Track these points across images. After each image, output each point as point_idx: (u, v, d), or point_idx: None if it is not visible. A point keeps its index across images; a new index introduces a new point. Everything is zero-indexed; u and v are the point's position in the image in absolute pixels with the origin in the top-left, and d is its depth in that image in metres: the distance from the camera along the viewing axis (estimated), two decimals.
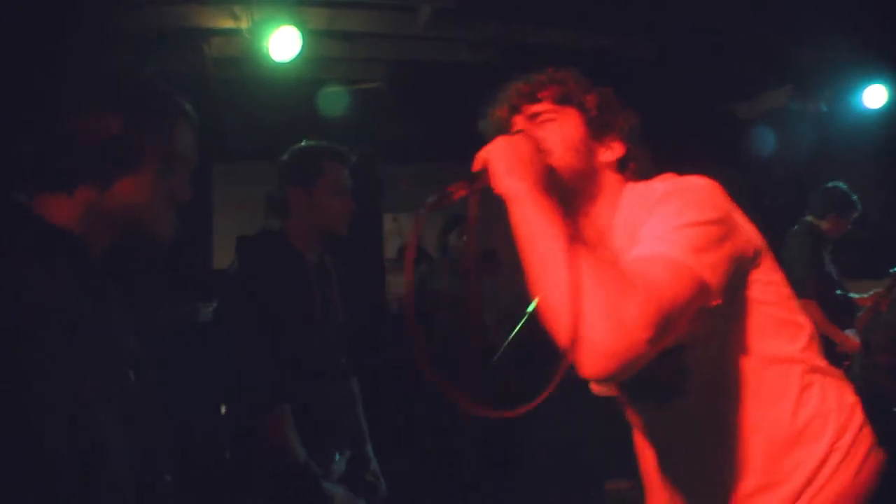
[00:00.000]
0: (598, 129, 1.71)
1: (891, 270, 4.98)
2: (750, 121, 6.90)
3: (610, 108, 1.74)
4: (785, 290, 1.67)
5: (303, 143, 2.90)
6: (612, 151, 1.72)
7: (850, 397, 1.72)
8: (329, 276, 2.96)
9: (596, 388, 1.99)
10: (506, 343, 3.70)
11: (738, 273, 1.52)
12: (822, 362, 1.71)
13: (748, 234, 1.57)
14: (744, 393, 1.62)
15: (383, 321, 5.94)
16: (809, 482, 1.62)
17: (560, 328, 1.32)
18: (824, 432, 1.64)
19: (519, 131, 1.62)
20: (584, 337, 1.28)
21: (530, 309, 3.98)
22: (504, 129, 1.73)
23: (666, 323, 1.31)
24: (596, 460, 5.57)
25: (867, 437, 1.69)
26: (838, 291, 4.99)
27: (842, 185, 5.10)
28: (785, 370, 1.64)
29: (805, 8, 5.00)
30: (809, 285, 4.71)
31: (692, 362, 1.60)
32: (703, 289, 1.39)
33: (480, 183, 1.50)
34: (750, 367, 1.62)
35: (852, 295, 5.06)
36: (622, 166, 1.74)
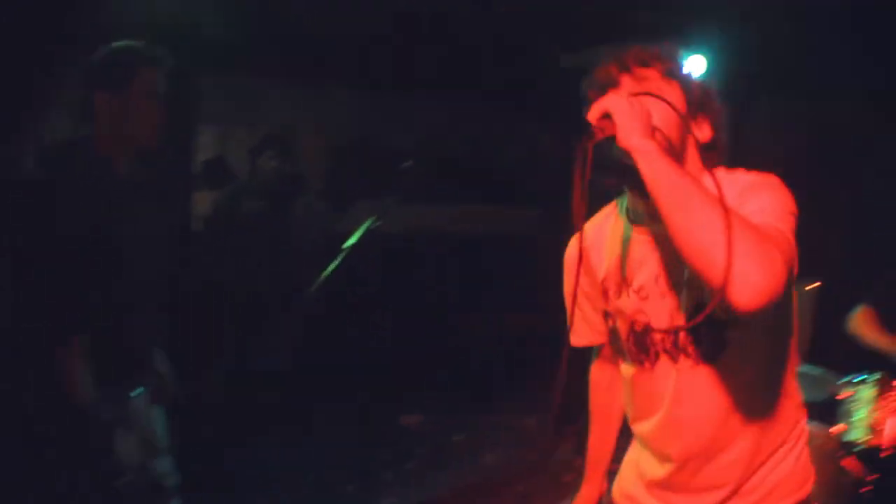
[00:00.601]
0: (695, 109, 1.80)
1: None
2: (573, 71, 7.00)
3: (708, 92, 1.84)
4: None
5: (113, 44, 2.65)
6: (701, 133, 1.81)
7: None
8: (141, 189, 2.73)
9: (577, 342, 2.13)
10: (322, 277, 3.66)
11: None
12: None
13: None
14: (760, 376, 1.85)
15: (188, 241, 5.71)
16: (770, 456, 1.88)
17: (714, 266, 1.43)
18: (792, 421, 1.93)
19: (644, 93, 1.66)
20: (740, 274, 1.40)
21: (347, 245, 3.85)
22: (609, 83, 1.78)
23: (790, 273, 1.52)
24: (389, 395, 5.67)
25: (806, 429, 1.99)
26: None
27: None
28: (789, 365, 1.90)
29: None
30: None
31: (732, 337, 1.78)
32: (793, 265, 1.58)
33: (608, 132, 1.57)
34: (771, 357, 1.86)
35: None
36: (707, 149, 1.81)
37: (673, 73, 1.78)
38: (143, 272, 2.70)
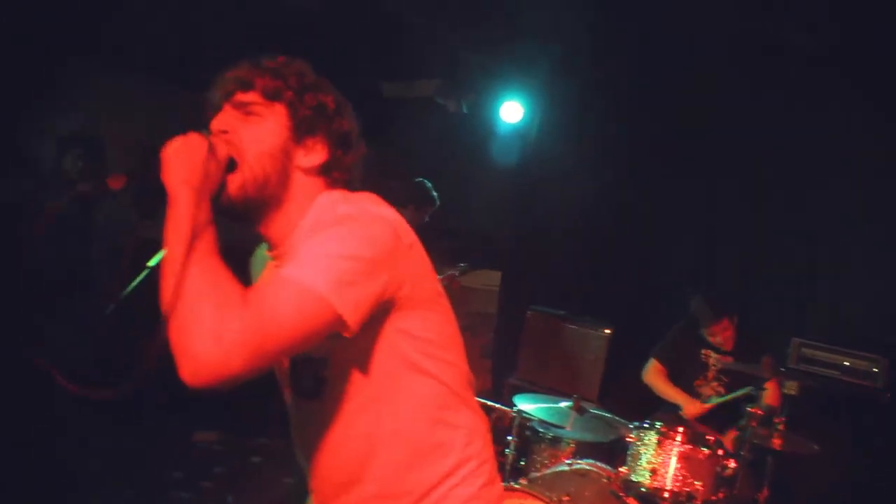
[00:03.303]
0: (302, 132, 1.69)
1: (460, 265, 5.38)
2: (394, 101, 7.13)
3: (323, 112, 1.71)
4: (438, 329, 1.73)
5: None
6: (312, 156, 1.71)
7: (484, 429, 1.85)
8: None
9: None
10: (123, 295, 3.51)
11: (382, 309, 1.58)
12: (467, 394, 1.81)
13: (404, 274, 1.60)
14: (380, 409, 1.68)
15: None
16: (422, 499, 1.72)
17: (171, 335, 1.38)
18: (448, 456, 1.74)
19: (202, 132, 1.60)
20: (184, 345, 1.36)
21: (151, 263, 3.77)
22: (217, 109, 1.70)
23: (269, 349, 1.39)
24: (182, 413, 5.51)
25: (487, 472, 1.81)
26: None
27: (427, 181, 5.45)
28: (422, 395, 1.71)
29: (470, 13, 5.32)
30: None
31: (334, 372, 1.68)
32: (336, 321, 1.46)
33: (148, 173, 1.53)
34: (389, 385, 1.67)
35: None
36: (324, 171, 1.73)
37: (277, 93, 1.67)
38: None
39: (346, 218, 1.55)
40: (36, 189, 5.28)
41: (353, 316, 1.46)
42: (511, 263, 6.85)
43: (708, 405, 4.71)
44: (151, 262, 3.88)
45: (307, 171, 1.71)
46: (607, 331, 5.68)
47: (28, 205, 5.19)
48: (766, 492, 3.91)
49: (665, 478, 3.75)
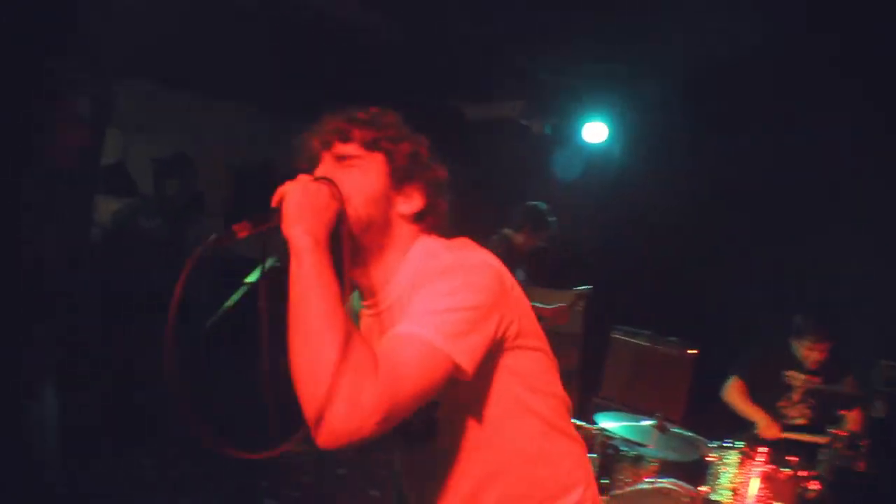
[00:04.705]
0: (400, 180, 1.73)
1: (575, 288, 5.44)
2: (478, 123, 7.22)
3: (419, 161, 1.77)
4: (539, 362, 1.76)
5: None
6: (410, 203, 1.75)
7: (583, 453, 1.89)
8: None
9: None
10: (221, 310, 3.67)
11: (494, 350, 1.62)
12: (566, 424, 1.84)
13: (510, 315, 1.64)
14: (489, 448, 1.72)
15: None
16: None
17: (304, 398, 1.39)
18: (556, 486, 1.78)
19: (321, 178, 1.62)
20: (322, 414, 1.36)
21: (249, 279, 3.89)
22: (313, 161, 1.74)
23: (400, 409, 1.42)
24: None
25: (591, 496, 1.85)
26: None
27: (541, 204, 5.42)
28: (529, 430, 1.75)
29: (554, 35, 5.39)
30: None
31: (445, 414, 1.71)
32: (454, 370, 1.50)
33: (270, 222, 1.53)
34: (498, 424, 1.71)
35: (536, 304, 5.39)
36: (419, 218, 1.77)
37: (375, 143, 1.72)
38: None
39: (451, 268, 1.58)
40: (137, 209, 5.52)
41: (469, 363, 1.50)
42: (596, 284, 6.86)
43: (784, 434, 4.60)
44: (249, 279, 4.02)
45: (406, 218, 1.75)
46: (692, 352, 5.65)
47: (130, 225, 5.43)
48: None
49: (746, 498, 3.72)
